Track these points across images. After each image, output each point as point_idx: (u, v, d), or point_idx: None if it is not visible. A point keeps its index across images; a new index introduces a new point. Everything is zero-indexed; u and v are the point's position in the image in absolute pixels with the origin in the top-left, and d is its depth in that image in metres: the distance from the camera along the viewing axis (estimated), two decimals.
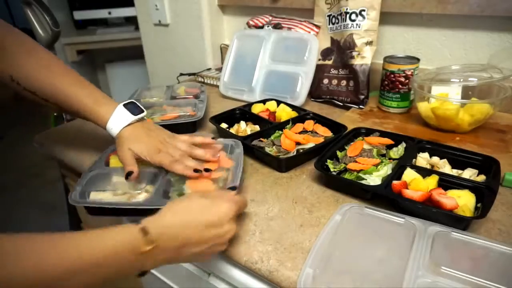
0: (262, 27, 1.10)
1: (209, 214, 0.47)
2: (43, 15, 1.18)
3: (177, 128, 0.79)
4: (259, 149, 0.71)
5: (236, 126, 0.84)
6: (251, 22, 1.14)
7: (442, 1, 0.86)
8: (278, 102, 0.91)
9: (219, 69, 1.22)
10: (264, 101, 0.92)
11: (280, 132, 0.77)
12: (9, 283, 0.33)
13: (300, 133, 0.76)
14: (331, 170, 0.64)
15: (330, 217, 0.54)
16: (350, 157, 0.66)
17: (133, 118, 0.64)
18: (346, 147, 0.70)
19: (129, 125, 0.63)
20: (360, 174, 0.62)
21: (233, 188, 0.57)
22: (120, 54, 2.71)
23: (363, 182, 0.61)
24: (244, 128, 0.82)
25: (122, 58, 2.76)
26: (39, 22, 1.20)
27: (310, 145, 0.72)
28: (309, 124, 0.79)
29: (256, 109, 0.89)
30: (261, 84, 1.03)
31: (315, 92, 1.03)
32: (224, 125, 0.84)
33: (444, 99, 0.77)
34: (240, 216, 0.56)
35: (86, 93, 0.64)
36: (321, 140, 0.74)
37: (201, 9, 1.27)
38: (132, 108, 0.65)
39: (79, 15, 2.48)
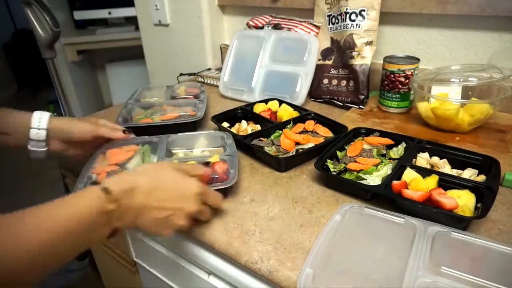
0: (262, 28, 1.10)
1: (176, 186, 0.49)
2: (43, 15, 1.18)
3: (177, 128, 0.79)
4: (259, 149, 0.71)
5: (237, 125, 0.84)
6: (251, 23, 1.14)
7: (442, 1, 0.86)
8: (280, 102, 0.90)
9: (219, 69, 1.22)
10: (266, 101, 0.92)
11: (281, 132, 0.77)
12: None
13: (300, 133, 0.76)
14: (331, 170, 0.64)
15: (330, 217, 0.54)
16: (350, 157, 0.66)
17: (49, 113, 0.65)
18: (346, 147, 0.70)
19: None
20: (360, 174, 0.62)
21: (206, 164, 0.60)
22: (120, 54, 2.72)
23: (363, 182, 0.61)
24: (245, 127, 0.82)
25: (122, 58, 2.76)
26: (39, 22, 1.20)
27: (310, 145, 0.72)
28: (310, 124, 0.79)
29: (258, 108, 0.89)
30: (261, 84, 1.03)
31: (315, 92, 1.03)
32: (225, 124, 0.84)
33: (444, 99, 0.77)
34: (216, 212, 0.57)
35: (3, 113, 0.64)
36: (321, 140, 0.74)
37: (201, 9, 1.27)
38: None
39: (79, 15, 2.48)
